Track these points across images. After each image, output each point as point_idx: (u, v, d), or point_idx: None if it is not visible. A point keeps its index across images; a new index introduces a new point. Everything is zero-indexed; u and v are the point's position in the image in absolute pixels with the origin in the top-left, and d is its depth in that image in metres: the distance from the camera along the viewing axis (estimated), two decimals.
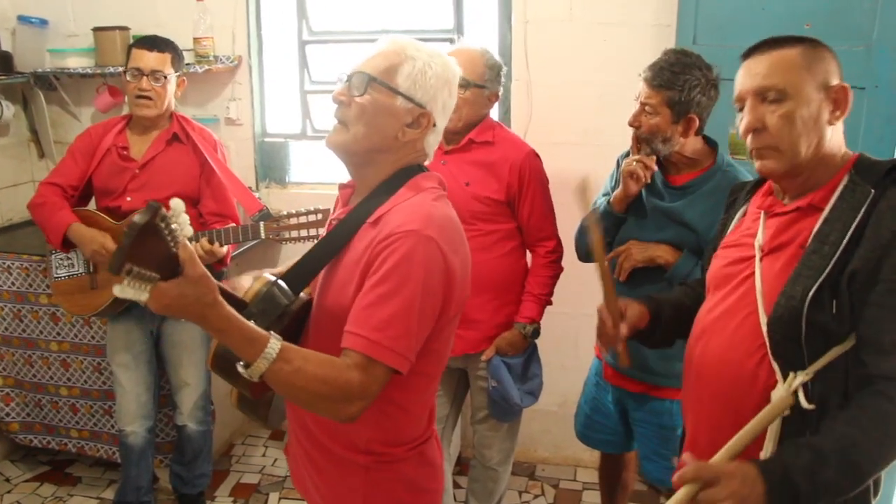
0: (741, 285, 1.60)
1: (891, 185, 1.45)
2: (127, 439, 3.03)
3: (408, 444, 1.63)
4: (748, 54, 1.57)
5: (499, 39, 3.30)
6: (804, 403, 1.44)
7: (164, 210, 1.17)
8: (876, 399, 1.38)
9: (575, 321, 3.27)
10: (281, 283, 1.53)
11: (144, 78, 2.80)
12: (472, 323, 2.59)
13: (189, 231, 1.27)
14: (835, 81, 1.51)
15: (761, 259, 1.58)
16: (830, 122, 1.51)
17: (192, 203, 2.91)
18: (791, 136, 1.50)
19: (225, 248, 2.73)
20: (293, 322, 1.57)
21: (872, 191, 1.45)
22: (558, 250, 2.66)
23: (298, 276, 1.57)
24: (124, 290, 1.18)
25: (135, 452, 3.04)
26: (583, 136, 3.23)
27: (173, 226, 1.21)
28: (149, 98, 2.82)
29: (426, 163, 1.63)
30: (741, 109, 1.57)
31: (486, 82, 2.56)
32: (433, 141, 1.61)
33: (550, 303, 2.70)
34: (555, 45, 3.22)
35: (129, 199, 2.86)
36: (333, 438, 1.61)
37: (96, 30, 3.55)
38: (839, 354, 1.44)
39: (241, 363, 1.34)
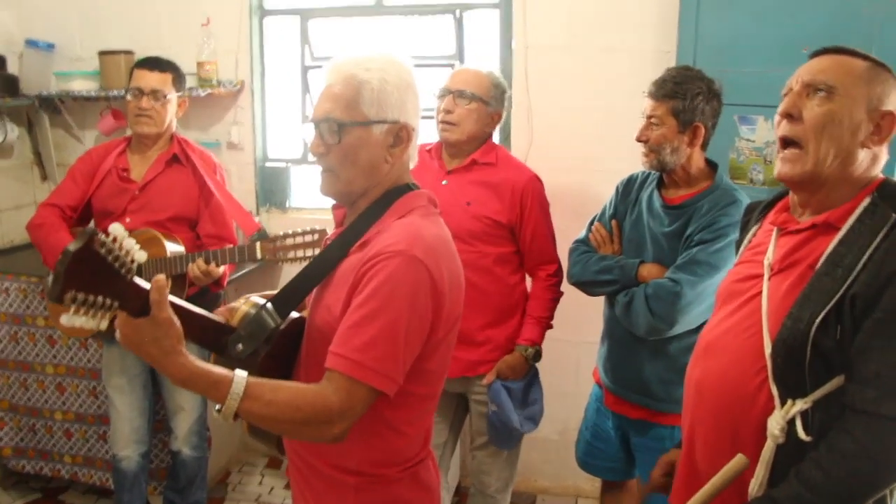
0: (748, 303, 1.54)
1: None
2: (120, 464, 2.95)
3: (400, 464, 1.57)
4: (817, 53, 1.52)
5: (500, 65, 3.28)
6: (801, 434, 1.38)
7: (101, 236, 1.16)
8: (841, 437, 1.34)
9: (576, 349, 3.21)
10: (269, 305, 1.50)
11: (145, 97, 2.78)
12: (469, 345, 2.53)
13: (141, 257, 1.25)
14: (888, 107, 1.45)
15: (770, 277, 1.52)
16: (865, 145, 1.45)
17: (191, 225, 2.88)
18: (822, 137, 1.44)
19: (221, 269, 2.67)
20: (285, 343, 1.53)
21: (894, 215, 1.39)
22: (559, 274, 2.62)
23: (287, 298, 1.54)
24: (72, 318, 1.17)
25: (128, 478, 2.96)
26: (583, 163, 3.19)
27: (118, 252, 1.20)
28: (148, 116, 2.79)
29: (412, 165, 1.59)
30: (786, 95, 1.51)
31: (491, 99, 2.54)
32: (414, 145, 1.57)
33: (551, 326, 2.64)
34: (555, 71, 3.20)
35: (128, 220, 2.81)
36: (322, 459, 1.56)
37: (101, 53, 3.54)
38: (841, 385, 1.38)
39: (216, 407, 1.33)
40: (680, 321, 2.15)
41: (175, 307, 1.34)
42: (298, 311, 1.58)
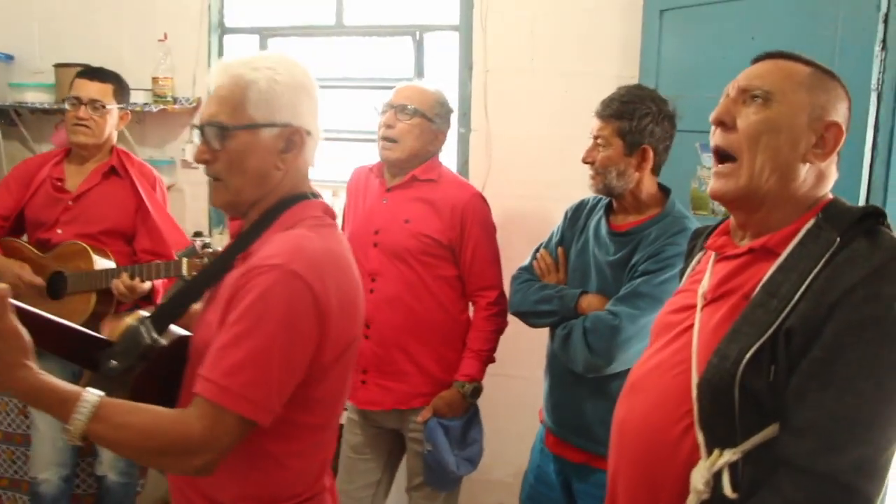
0: (679, 338, 1.34)
1: (859, 236, 1.18)
2: (39, 487, 2.74)
3: (285, 501, 1.39)
4: (758, 59, 1.34)
5: (459, 88, 3.14)
6: (726, 490, 1.16)
7: None
8: (769, 496, 1.13)
9: (531, 386, 2.95)
10: (148, 321, 1.36)
11: (83, 106, 2.67)
12: (402, 375, 2.35)
13: None
14: (833, 118, 1.26)
15: (703, 308, 1.32)
16: (807, 159, 1.25)
17: (127, 239, 2.73)
18: (757, 149, 1.25)
19: (148, 285, 2.51)
20: (168, 362, 1.38)
21: (838, 239, 1.18)
22: (501, 303, 2.41)
23: (164, 312, 1.41)
24: None
25: (46, 502, 2.73)
26: (543, 189, 3.01)
27: None
28: (86, 126, 2.66)
29: (310, 167, 1.46)
30: None
31: (435, 117, 2.39)
32: (313, 149, 1.43)
33: (493, 360, 2.44)
34: (515, 95, 3.05)
35: (59, 231, 2.68)
36: (195, 490, 1.40)
37: (57, 66, 3.42)
38: (776, 434, 1.16)
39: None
40: (619, 357, 1.96)
41: (32, 318, 1.22)
42: None
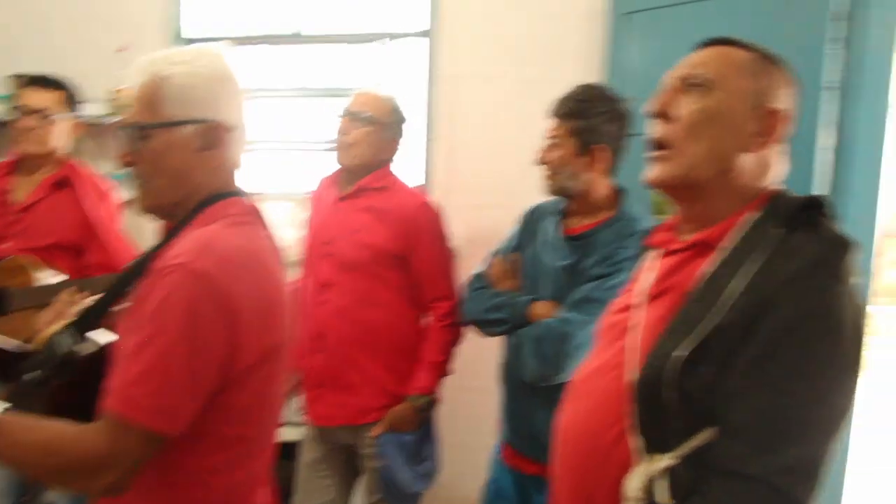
0: (619, 338, 1.26)
1: (801, 227, 1.10)
2: None
3: None
4: (700, 46, 1.26)
5: (426, 96, 3.07)
6: (659, 496, 1.07)
7: None
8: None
9: (494, 398, 2.87)
10: (71, 328, 1.29)
11: (29, 115, 2.56)
12: (351, 388, 2.25)
13: None
14: (775, 104, 1.18)
15: (645, 306, 1.24)
16: (750, 148, 1.17)
17: (77, 253, 2.61)
18: (697, 137, 1.17)
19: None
20: (93, 371, 1.27)
21: (778, 231, 1.10)
22: (456, 313, 2.29)
23: (85, 319, 1.33)
24: None
25: None
26: (507, 198, 2.88)
27: None
28: (32, 136, 2.56)
29: (237, 165, 1.37)
30: None
31: (390, 125, 2.30)
32: (238, 145, 1.35)
33: (449, 372, 2.33)
34: (480, 102, 2.97)
35: (6, 244, 2.54)
36: None
37: (13, 77, 3.31)
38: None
39: None
40: (570, 365, 1.85)
41: None
42: None
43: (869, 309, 1.11)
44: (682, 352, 1.06)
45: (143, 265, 1.27)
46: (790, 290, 1.03)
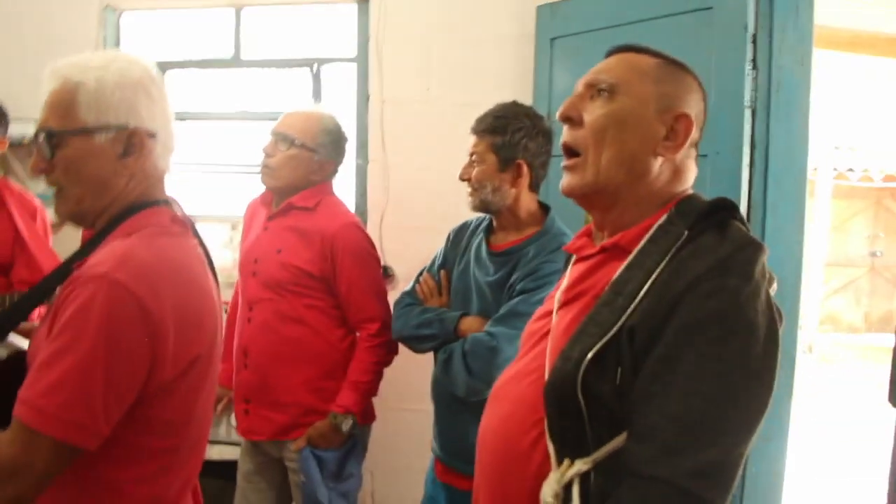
0: (537, 344, 1.25)
1: (708, 230, 1.09)
2: None
3: None
4: (608, 54, 1.26)
5: (356, 119, 3.07)
6: (575, 502, 1.05)
7: None
8: None
9: (429, 419, 2.85)
10: None
11: None
12: (280, 405, 2.22)
13: None
14: (682, 109, 1.19)
15: (557, 311, 1.23)
16: (658, 153, 1.17)
17: (5, 270, 2.55)
18: (602, 143, 1.17)
19: None
20: (5, 380, 1.23)
21: (686, 232, 1.09)
22: (384, 334, 2.26)
23: None
24: None
25: None
26: (441, 221, 2.85)
27: None
28: None
29: (165, 171, 1.34)
30: None
31: (319, 147, 2.27)
32: (163, 152, 1.31)
33: (372, 392, 2.30)
34: (412, 126, 2.98)
35: None
36: None
37: None
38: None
39: None
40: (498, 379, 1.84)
41: None
42: None
43: (780, 311, 1.10)
44: (587, 353, 1.05)
45: (63, 274, 1.22)
46: (696, 289, 1.01)
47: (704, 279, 1.02)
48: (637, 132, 1.17)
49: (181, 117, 3.33)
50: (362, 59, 3.07)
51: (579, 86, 1.24)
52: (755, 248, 1.06)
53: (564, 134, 1.23)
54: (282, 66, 3.25)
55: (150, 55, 3.21)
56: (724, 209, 1.13)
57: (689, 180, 1.23)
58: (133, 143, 1.26)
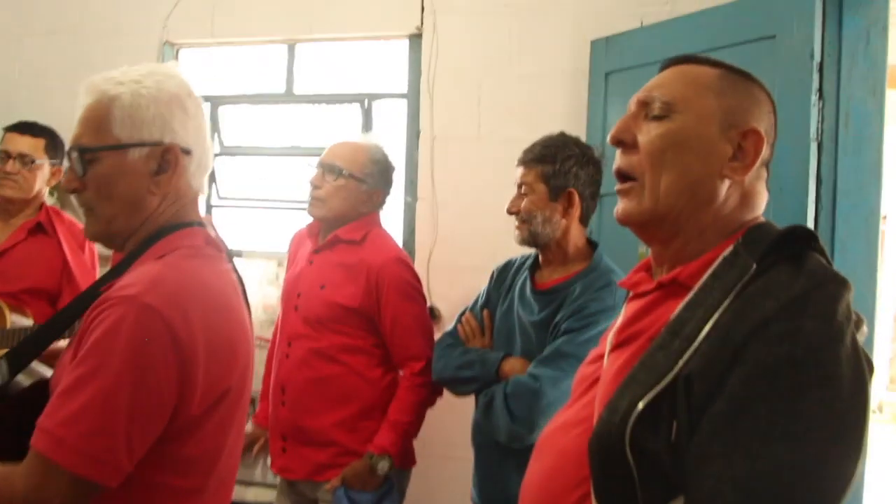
0: (587, 392, 1.12)
1: (780, 262, 0.94)
2: None
3: None
4: (663, 68, 1.14)
5: (406, 155, 3.01)
6: None
7: None
8: None
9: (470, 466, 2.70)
10: (3, 360, 1.18)
11: (11, 160, 2.52)
12: (311, 443, 2.13)
13: None
14: (751, 124, 1.05)
15: (609, 355, 1.10)
16: (725, 175, 1.03)
17: (51, 300, 2.53)
18: (661, 166, 1.04)
19: (63, 343, 2.28)
20: (25, 407, 1.15)
21: (754, 266, 0.94)
22: (428, 373, 2.13)
23: (21, 351, 1.21)
24: None
25: None
26: (490, 260, 2.74)
27: None
28: (13, 181, 2.52)
29: (200, 192, 1.29)
30: None
31: (367, 176, 2.21)
32: (197, 171, 1.26)
33: (412, 434, 2.18)
34: (462, 163, 2.91)
35: None
36: None
37: (6, 129, 3.26)
38: None
39: None
40: (542, 424, 1.67)
41: None
42: None
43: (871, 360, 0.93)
44: (636, 404, 0.90)
45: (90, 298, 1.16)
46: (764, 332, 0.86)
47: (775, 320, 0.86)
48: (700, 153, 1.04)
49: (233, 152, 3.39)
50: (413, 95, 3.03)
51: (632, 104, 1.12)
52: (837, 284, 0.90)
53: (617, 159, 1.11)
54: (333, 102, 3.23)
55: (205, 90, 3.25)
56: (800, 238, 0.97)
57: (760, 206, 1.08)
58: (167, 159, 1.20)
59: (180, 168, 1.21)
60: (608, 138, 1.12)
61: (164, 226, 1.22)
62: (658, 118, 1.06)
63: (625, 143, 1.09)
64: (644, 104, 1.09)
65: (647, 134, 1.06)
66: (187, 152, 1.22)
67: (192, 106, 1.25)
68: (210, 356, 1.11)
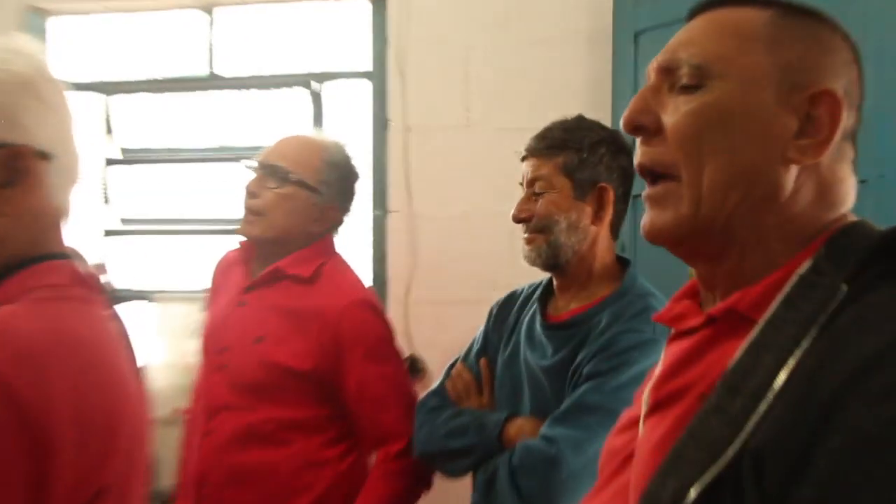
0: (619, 472, 1.08)
1: (882, 283, 0.88)
2: None
3: None
4: (692, 14, 1.08)
5: (372, 154, 3.06)
6: None
7: None
8: None
9: None
10: None
11: None
12: None
13: None
14: (823, 83, 0.98)
15: (645, 420, 1.05)
16: (792, 158, 0.97)
17: None
18: (701, 155, 0.99)
19: None
20: None
21: (844, 287, 0.89)
22: (410, 456, 2.07)
23: None
24: None
25: None
26: (489, 292, 2.76)
27: None
28: None
29: (64, 209, 1.26)
30: None
31: (320, 185, 2.15)
32: (61, 182, 1.23)
33: None
34: (447, 161, 2.96)
35: None
36: None
37: None
38: None
39: None
40: (563, 502, 1.72)
41: None
42: None
43: None
44: (686, 493, 0.86)
45: None
46: (864, 385, 0.80)
47: (877, 368, 0.80)
48: (751, 132, 0.98)
49: (135, 159, 3.37)
50: (378, 74, 3.09)
51: (650, 73, 1.06)
52: None
53: (639, 151, 1.05)
54: (270, 86, 3.29)
55: (91, 75, 3.23)
56: None
57: (846, 199, 1.02)
58: (16, 167, 1.17)
59: (35, 178, 1.18)
60: (621, 122, 1.07)
61: (14, 259, 1.19)
62: (688, 89, 1.00)
63: (645, 127, 1.03)
64: (667, 71, 1.03)
65: (675, 112, 1.00)
66: (45, 157, 1.19)
67: (51, 93, 1.21)
68: (78, 435, 1.09)
